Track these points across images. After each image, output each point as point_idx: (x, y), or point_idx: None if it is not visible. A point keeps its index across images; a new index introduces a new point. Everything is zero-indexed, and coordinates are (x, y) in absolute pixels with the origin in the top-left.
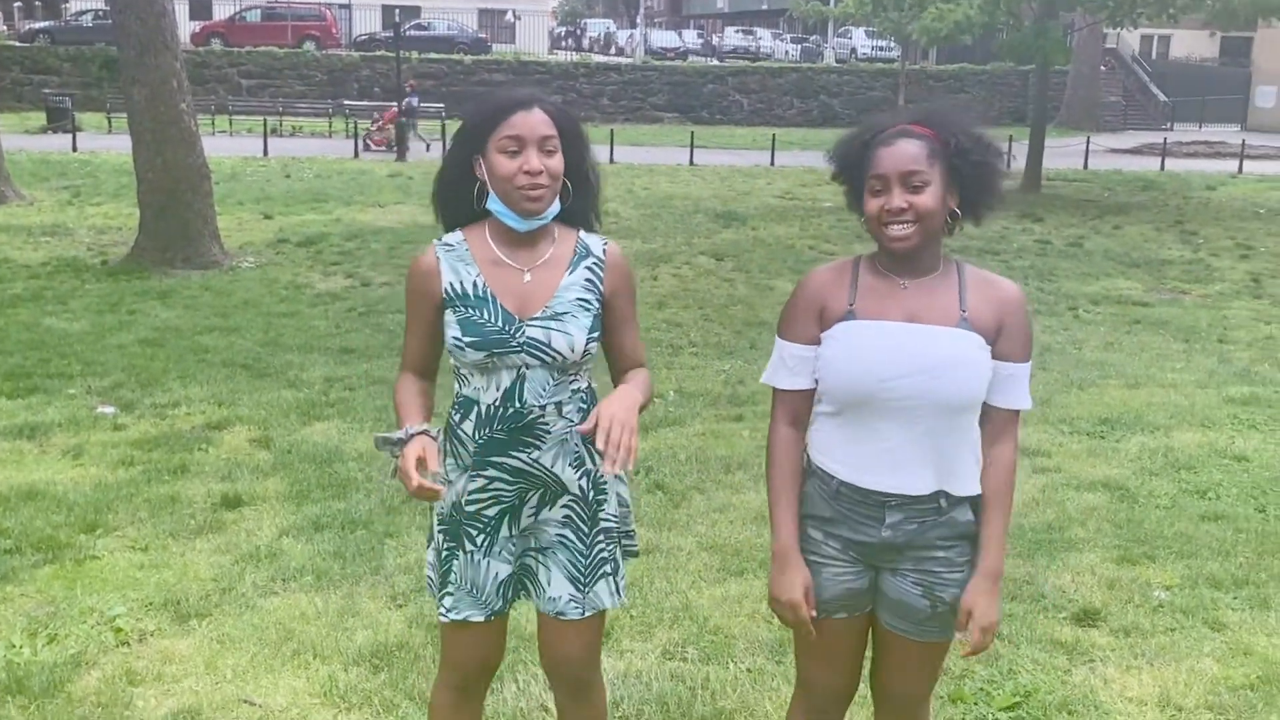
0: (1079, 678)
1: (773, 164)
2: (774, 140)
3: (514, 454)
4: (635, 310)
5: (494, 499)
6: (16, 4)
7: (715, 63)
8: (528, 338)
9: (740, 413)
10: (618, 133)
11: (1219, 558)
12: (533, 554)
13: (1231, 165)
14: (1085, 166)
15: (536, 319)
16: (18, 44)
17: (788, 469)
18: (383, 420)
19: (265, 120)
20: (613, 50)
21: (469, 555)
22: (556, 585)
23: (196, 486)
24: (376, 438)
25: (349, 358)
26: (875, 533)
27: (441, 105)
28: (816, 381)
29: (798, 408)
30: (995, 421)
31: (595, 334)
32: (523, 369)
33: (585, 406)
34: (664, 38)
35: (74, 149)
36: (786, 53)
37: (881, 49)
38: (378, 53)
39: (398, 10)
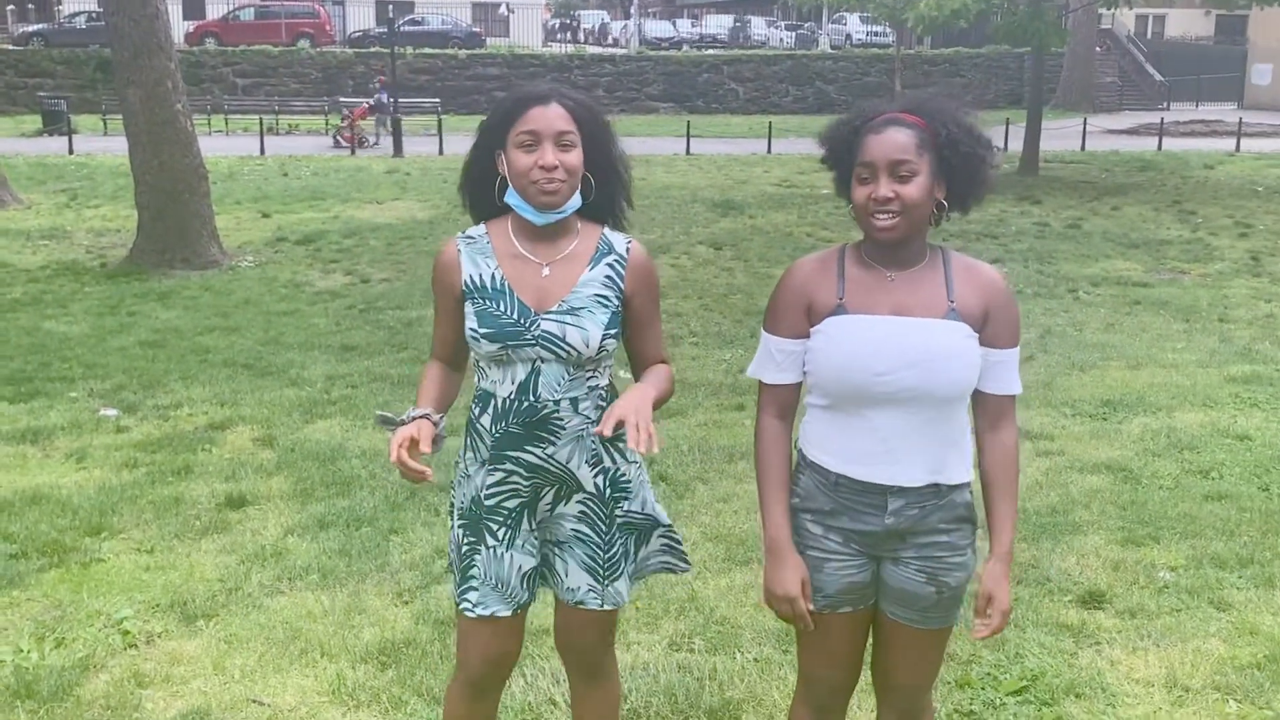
0: (1085, 660)
1: (769, 152)
2: (770, 128)
3: (529, 448)
4: (658, 310)
5: (512, 492)
6: (9, 7)
7: (709, 51)
8: (542, 331)
9: (742, 402)
10: (614, 124)
11: (1223, 537)
12: (550, 547)
13: (1229, 143)
14: (1083, 148)
15: (552, 313)
16: (11, 47)
17: (777, 461)
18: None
19: (261, 119)
20: (608, 41)
21: (491, 550)
22: (575, 576)
23: (200, 487)
24: (377, 415)
25: (350, 355)
26: (878, 521)
27: (438, 100)
28: (805, 374)
29: (785, 401)
30: (991, 408)
31: (613, 331)
32: (537, 362)
33: (603, 404)
34: (658, 27)
35: (70, 151)
36: (781, 40)
37: (876, 34)
38: (372, 49)
39: (391, 6)
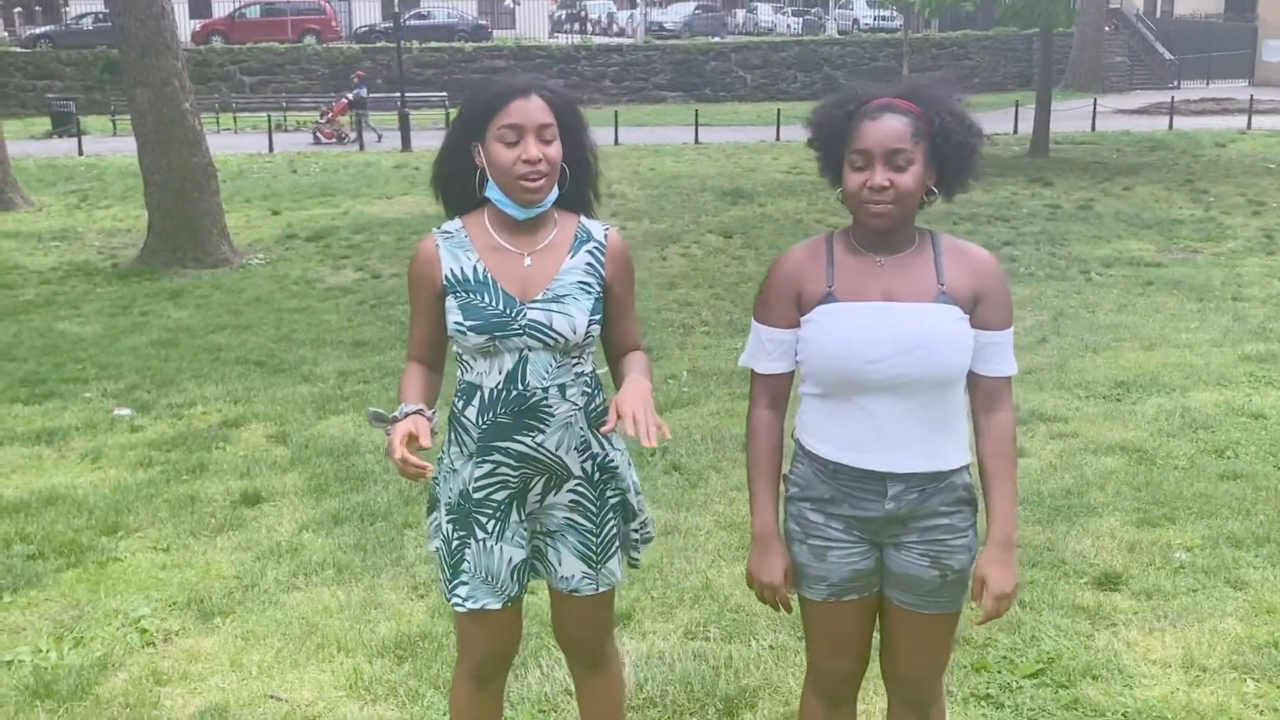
0: (1102, 642)
1: (778, 139)
2: (779, 115)
3: (518, 438)
4: (634, 297)
5: (501, 484)
6: (17, 10)
7: (717, 39)
8: (529, 320)
9: None
10: (621, 114)
11: (1239, 517)
12: (541, 537)
13: (1240, 121)
14: (1093, 128)
15: (537, 302)
16: (19, 50)
17: (768, 452)
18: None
19: (269, 116)
20: (614, 30)
21: (481, 543)
22: (568, 565)
23: (215, 485)
24: (370, 413)
25: (362, 351)
26: (878, 507)
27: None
28: (798, 363)
29: (778, 390)
30: (986, 390)
31: (597, 317)
32: (525, 351)
33: (589, 390)
34: (666, 16)
35: (80, 153)
36: (788, 25)
37: (884, 18)
38: (378, 44)
39: (396, 0)
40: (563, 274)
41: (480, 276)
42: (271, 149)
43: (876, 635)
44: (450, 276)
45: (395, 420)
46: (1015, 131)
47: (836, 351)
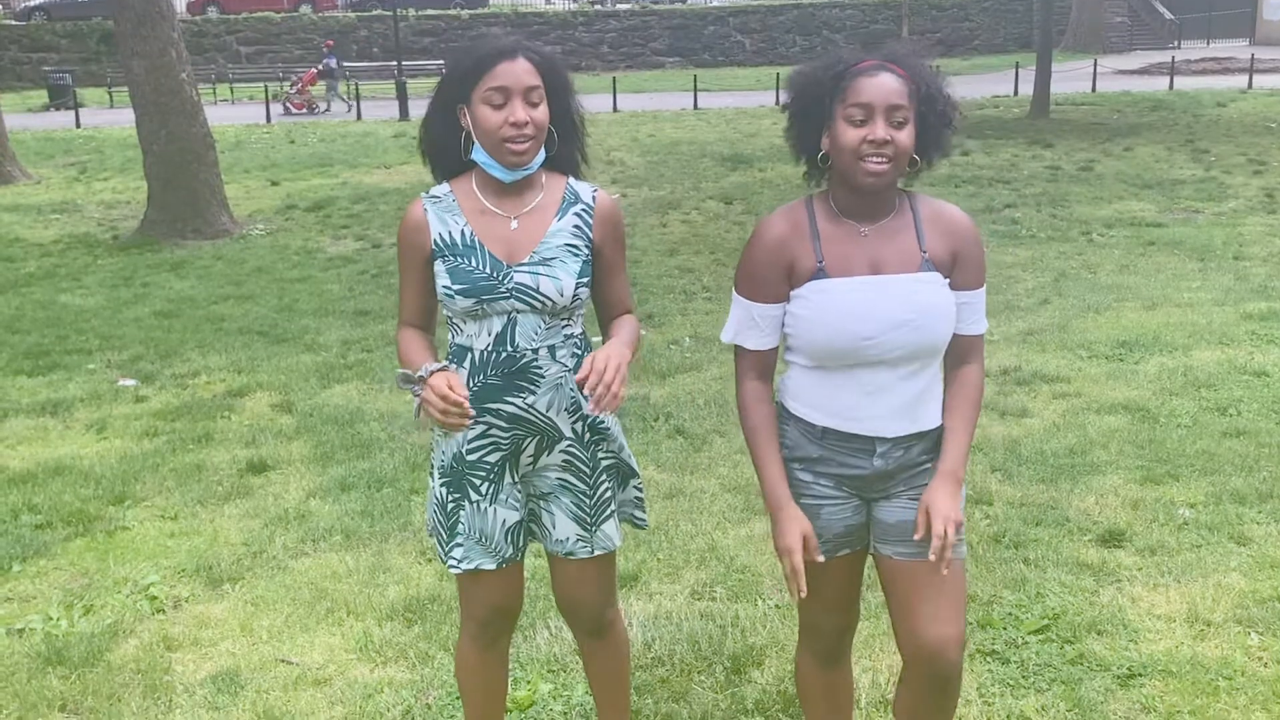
0: (1106, 598)
1: (777, 103)
2: (778, 79)
3: (509, 399)
4: (624, 258)
5: (493, 445)
6: None
7: (715, 3)
8: (516, 283)
9: None
10: (620, 80)
11: (1242, 473)
12: (535, 501)
13: (1241, 80)
14: (1093, 89)
15: (524, 265)
16: (14, 23)
17: (765, 423)
18: None
19: (266, 86)
20: None
21: (475, 505)
22: (562, 527)
23: (221, 453)
24: (399, 374)
25: (364, 319)
26: (867, 464)
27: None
28: (785, 335)
29: (767, 363)
30: (960, 347)
31: (585, 279)
32: (513, 314)
33: (579, 352)
34: None
35: (77, 125)
36: None
37: None
38: (374, 11)
39: None
40: (549, 237)
41: (468, 240)
42: (269, 119)
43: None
44: (439, 240)
45: (423, 379)
46: (1016, 93)
47: (831, 330)
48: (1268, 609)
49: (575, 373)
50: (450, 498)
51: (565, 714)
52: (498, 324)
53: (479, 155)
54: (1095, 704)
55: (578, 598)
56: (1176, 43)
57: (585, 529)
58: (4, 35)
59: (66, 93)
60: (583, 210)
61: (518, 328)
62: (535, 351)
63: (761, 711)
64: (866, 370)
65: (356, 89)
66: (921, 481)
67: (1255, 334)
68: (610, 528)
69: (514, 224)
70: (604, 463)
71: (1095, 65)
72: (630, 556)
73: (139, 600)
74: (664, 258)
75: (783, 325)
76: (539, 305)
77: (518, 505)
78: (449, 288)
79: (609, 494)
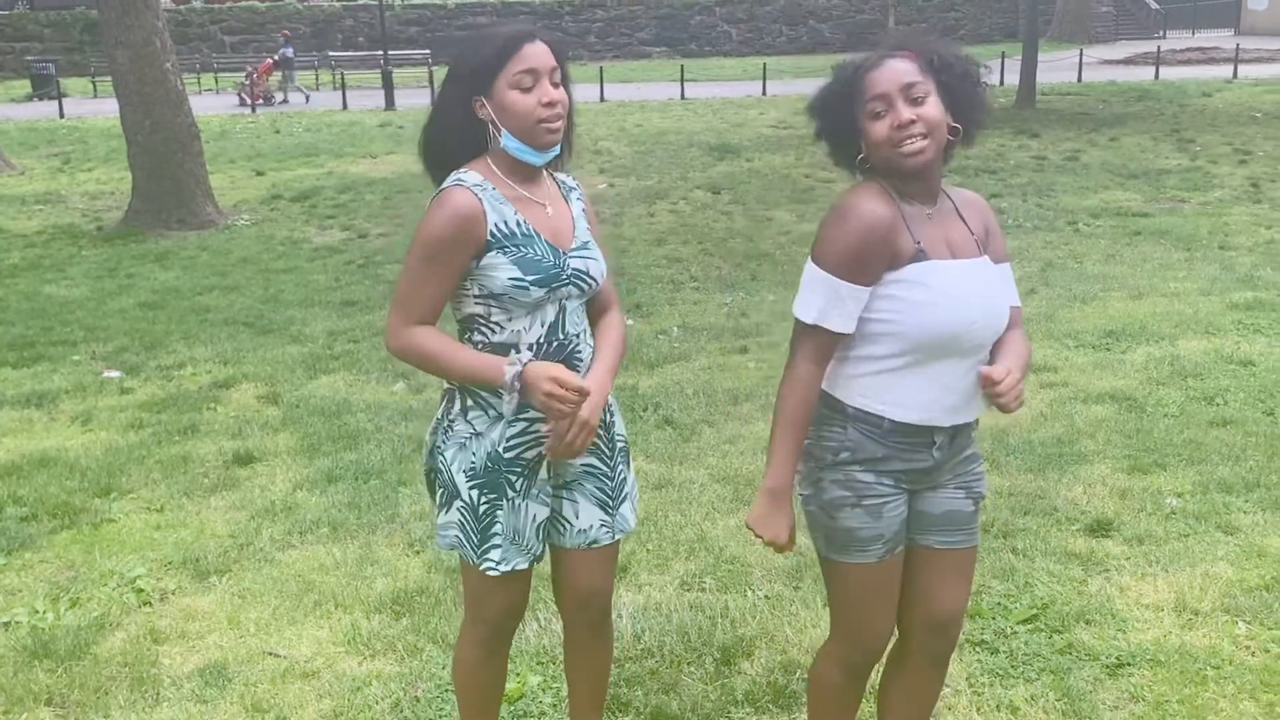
0: (1095, 587)
1: (764, 94)
2: (765, 69)
3: None
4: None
5: (534, 440)
6: None
7: None
8: (573, 269)
9: (745, 344)
10: (607, 70)
11: (1229, 462)
12: (557, 493)
13: (1226, 70)
14: (1079, 79)
15: (575, 250)
16: None
17: (805, 409)
18: (389, 370)
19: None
20: None
21: (511, 502)
22: (586, 515)
23: (207, 445)
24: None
25: (351, 310)
26: (927, 456)
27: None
28: (874, 325)
29: (830, 348)
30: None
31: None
32: (564, 301)
33: (592, 329)
34: None
35: (61, 115)
36: None
37: None
38: (360, 2)
39: None
40: (577, 220)
41: (525, 229)
42: (254, 109)
43: None
44: (496, 230)
45: (520, 373)
46: (1001, 83)
47: (944, 314)
48: (1255, 598)
49: (596, 354)
50: (484, 499)
51: (555, 706)
52: (551, 313)
53: (509, 142)
54: (1084, 693)
55: (594, 588)
56: (1162, 33)
57: (609, 513)
58: None
59: (50, 83)
60: (580, 196)
61: (567, 314)
62: (578, 336)
63: (751, 702)
64: (955, 358)
65: (343, 78)
66: (966, 469)
67: (1241, 323)
68: (627, 509)
69: (549, 210)
70: (619, 445)
71: (1081, 55)
72: (620, 548)
73: (125, 593)
74: (651, 247)
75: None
76: (587, 289)
77: (547, 500)
78: (520, 279)
79: (624, 475)
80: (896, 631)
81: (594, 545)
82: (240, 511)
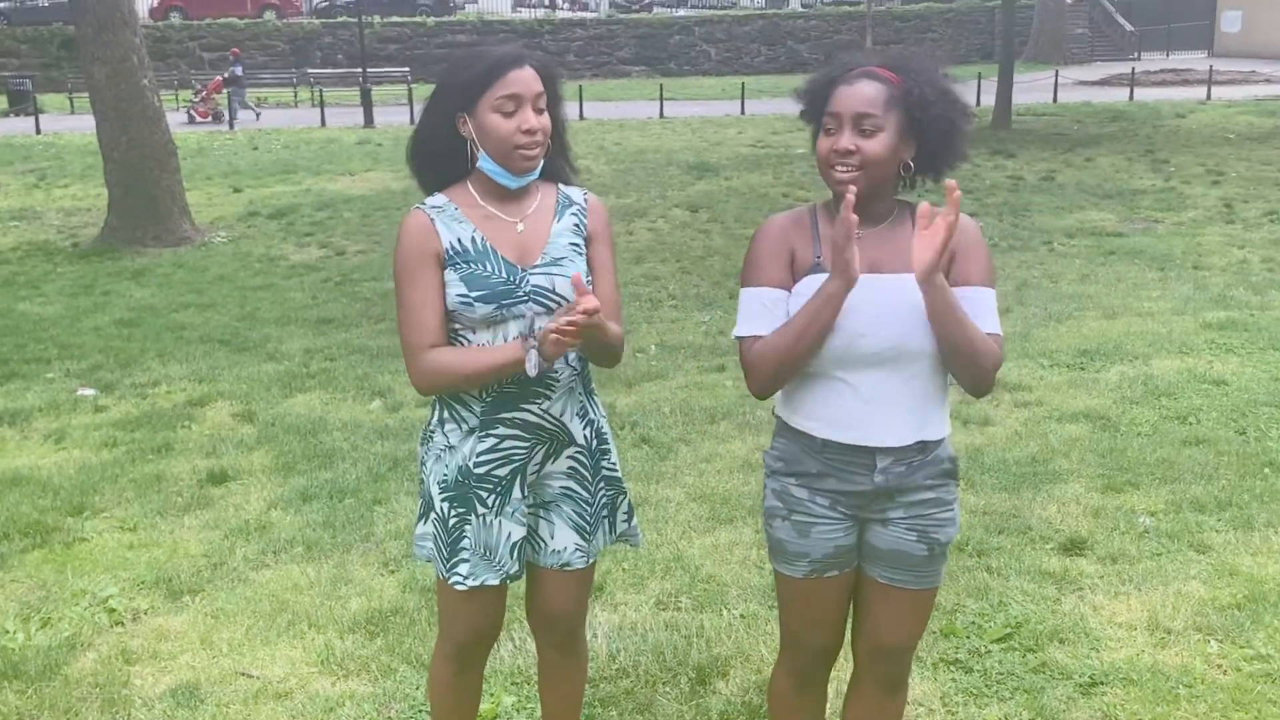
0: (1068, 606)
1: (743, 113)
2: (743, 89)
3: (525, 406)
4: (613, 259)
5: (505, 458)
6: None
7: (679, 13)
8: (533, 286)
9: (722, 363)
10: (586, 88)
11: (1202, 481)
12: (534, 511)
13: (1200, 92)
14: (1054, 100)
15: (538, 267)
16: None
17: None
18: (365, 388)
19: (228, 94)
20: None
21: (481, 518)
22: (561, 537)
23: (182, 464)
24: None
25: (327, 328)
26: (867, 480)
27: (407, 69)
28: None
29: None
30: None
31: (589, 277)
32: (531, 318)
33: (581, 355)
34: None
35: (37, 131)
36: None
37: None
38: (339, 19)
39: None
40: (555, 237)
41: (480, 246)
42: (232, 126)
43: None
44: (451, 248)
45: (537, 342)
46: (978, 104)
47: None
48: (1227, 617)
49: (581, 377)
50: (454, 513)
51: None
52: (514, 329)
53: (485, 163)
54: (1057, 712)
55: (562, 609)
56: (1136, 54)
57: (585, 538)
58: None
59: (26, 98)
60: (578, 211)
61: (536, 331)
62: None
63: None
64: (863, 374)
65: (321, 95)
66: (923, 512)
67: (1214, 343)
68: (600, 538)
69: (521, 227)
70: (604, 474)
71: (1056, 76)
72: (594, 572)
73: (97, 613)
74: (630, 265)
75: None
76: (555, 305)
77: (523, 520)
78: (466, 295)
79: (605, 502)
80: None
81: (566, 568)
82: (214, 531)
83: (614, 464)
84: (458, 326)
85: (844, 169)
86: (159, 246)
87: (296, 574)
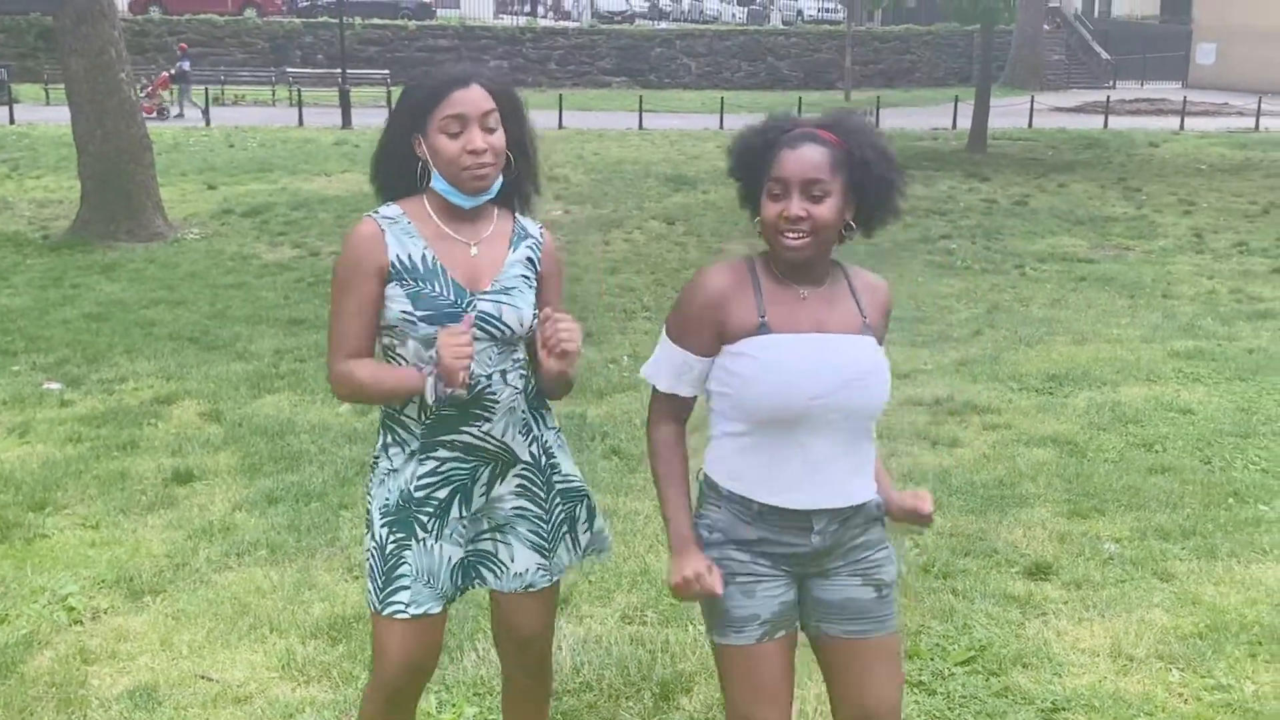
0: (1032, 630)
1: (721, 127)
2: (722, 103)
3: (464, 429)
4: (560, 299)
5: (444, 480)
6: None
7: (661, 25)
8: (479, 311)
9: None
10: (566, 98)
11: (1167, 509)
12: (488, 535)
13: (1173, 122)
14: (1030, 125)
15: (488, 293)
16: None
17: (676, 465)
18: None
19: (207, 89)
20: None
21: (421, 543)
22: (521, 559)
23: (146, 462)
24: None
25: (298, 329)
26: (805, 541)
27: (387, 72)
28: (714, 394)
29: (683, 410)
30: None
31: (535, 311)
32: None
33: (525, 373)
34: (611, 0)
35: (11, 121)
36: (734, 15)
37: (828, 10)
38: (320, 19)
39: None
40: (508, 266)
41: (429, 264)
42: (208, 123)
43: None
44: (398, 262)
45: (433, 369)
46: (954, 126)
47: (776, 386)
48: (1189, 646)
49: (524, 394)
50: (393, 538)
51: None
52: None
53: (438, 183)
54: None
55: (531, 631)
56: (1112, 82)
57: (544, 555)
58: None
59: (1, 88)
60: (533, 244)
61: (477, 357)
62: (489, 378)
63: None
64: (809, 437)
65: (299, 95)
66: (860, 556)
67: (1181, 371)
68: (562, 551)
69: (474, 250)
70: (558, 487)
71: (1032, 101)
72: (559, 588)
73: (56, 611)
74: (605, 276)
75: (707, 381)
76: (499, 334)
77: (461, 542)
78: (410, 313)
79: (563, 516)
80: None
81: (530, 589)
82: (177, 531)
83: (568, 474)
84: (394, 343)
85: (794, 235)
86: (131, 241)
87: (259, 577)
